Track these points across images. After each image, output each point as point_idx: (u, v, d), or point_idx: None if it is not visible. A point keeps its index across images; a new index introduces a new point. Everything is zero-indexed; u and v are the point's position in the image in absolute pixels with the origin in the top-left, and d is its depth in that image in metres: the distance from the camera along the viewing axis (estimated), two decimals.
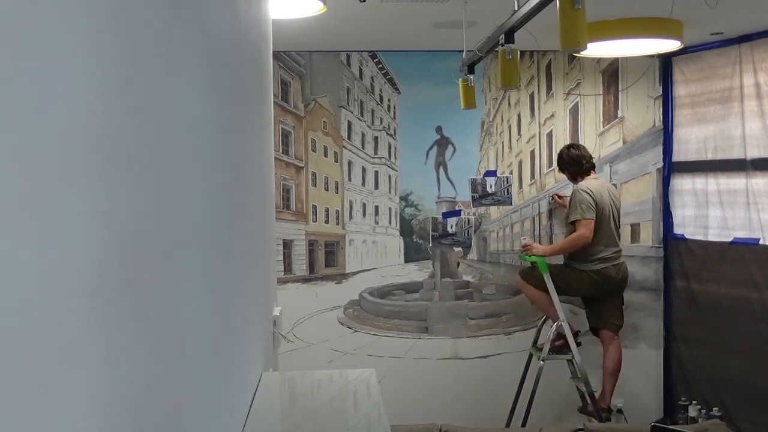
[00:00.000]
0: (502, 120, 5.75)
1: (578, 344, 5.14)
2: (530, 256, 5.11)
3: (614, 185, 5.46)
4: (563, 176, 5.63)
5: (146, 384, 0.94)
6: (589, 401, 5.10)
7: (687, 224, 5.59)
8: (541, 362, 5.06)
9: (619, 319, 5.19)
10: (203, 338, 1.33)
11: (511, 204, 5.72)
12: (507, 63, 3.48)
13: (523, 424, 5.07)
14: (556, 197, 5.63)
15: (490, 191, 5.72)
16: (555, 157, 5.72)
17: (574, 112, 5.73)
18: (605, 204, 5.00)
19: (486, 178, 5.71)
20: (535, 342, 5.29)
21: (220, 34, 1.63)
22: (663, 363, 5.78)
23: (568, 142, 5.57)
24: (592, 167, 5.17)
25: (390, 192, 5.72)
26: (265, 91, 2.78)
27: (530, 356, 5.24)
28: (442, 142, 5.68)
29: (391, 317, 5.70)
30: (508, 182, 5.73)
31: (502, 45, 3.35)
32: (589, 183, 5.07)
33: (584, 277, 5.04)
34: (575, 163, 5.16)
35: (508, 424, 5.18)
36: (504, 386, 5.59)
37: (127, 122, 0.88)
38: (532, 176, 5.78)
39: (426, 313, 5.71)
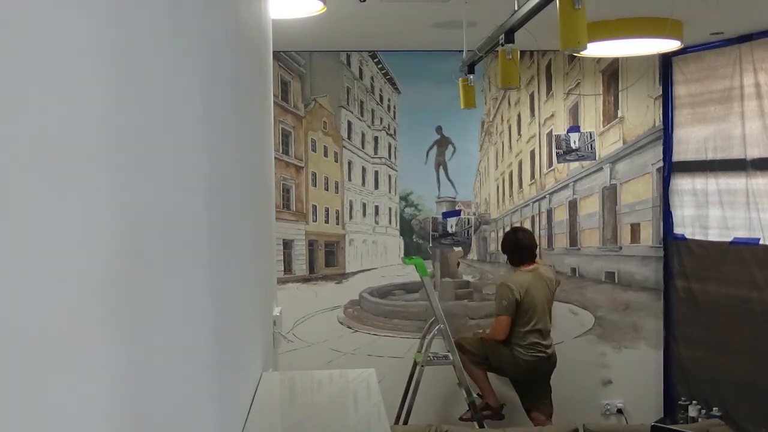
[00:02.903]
0: (502, 120, 5.75)
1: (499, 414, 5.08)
2: (409, 258, 5.15)
3: (552, 271, 5.24)
4: (563, 177, 5.62)
5: (145, 384, 0.94)
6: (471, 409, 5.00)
7: (687, 224, 5.59)
8: (421, 367, 4.96)
9: (550, 406, 5.08)
10: (203, 338, 1.33)
11: (594, 159, 5.70)
12: (507, 63, 3.48)
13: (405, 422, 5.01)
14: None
15: (573, 147, 5.71)
16: (555, 158, 5.73)
17: (574, 111, 5.74)
18: (534, 298, 4.90)
19: (569, 134, 5.71)
20: (420, 348, 5.13)
21: (220, 34, 1.63)
22: (663, 363, 5.78)
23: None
24: (532, 257, 5.06)
25: (390, 192, 5.72)
26: (265, 91, 2.78)
27: (414, 363, 5.12)
28: (442, 142, 5.68)
29: (391, 317, 5.70)
30: (591, 137, 5.71)
31: (502, 45, 3.35)
32: (518, 277, 4.98)
33: (517, 361, 4.95)
34: (514, 249, 5.08)
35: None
36: (503, 386, 5.59)
37: (127, 122, 0.88)
38: (532, 176, 5.78)
39: (426, 313, 5.71)
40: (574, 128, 5.71)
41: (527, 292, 4.88)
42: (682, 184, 5.62)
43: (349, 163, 5.66)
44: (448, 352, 4.95)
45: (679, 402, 5.46)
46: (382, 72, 5.63)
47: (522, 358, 4.93)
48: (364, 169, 5.68)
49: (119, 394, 0.83)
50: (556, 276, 5.29)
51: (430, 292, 4.98)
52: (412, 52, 5.52)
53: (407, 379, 5.08)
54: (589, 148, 5.71)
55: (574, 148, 5.72)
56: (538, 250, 5.54)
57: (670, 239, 5.69)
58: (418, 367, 4.98)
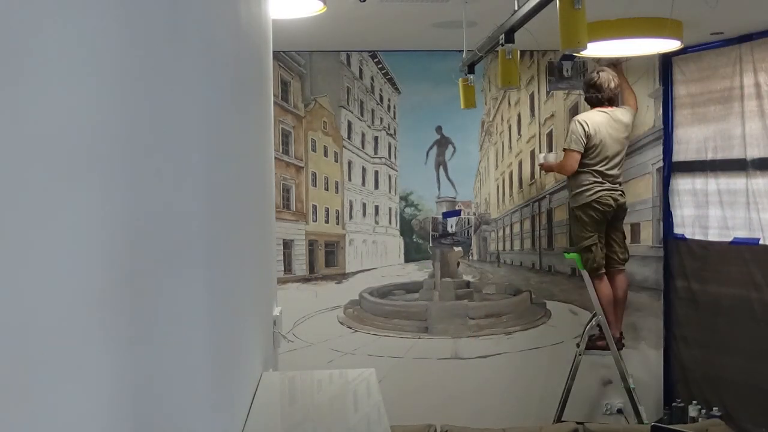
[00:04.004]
0: (502, 120, 5.74)
1: (622, 346, 5.27)
2: (569, 254, 5.30)
3: (629, 116, 5.29)
4: (563, 177, 5.62)
5: (147, 384, 0.94)
6: (630, 398, 5.20)
7: (687, 224, 5.58)
8: (579, 356, 5.20)
9: (624, 252, 5.28)
10: (203, 338, 1.33)
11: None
12: (507, 63, 3.48)
13: (558, 419, 5.19)
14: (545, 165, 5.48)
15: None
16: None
17: (574, 111, 5.73)
18: (602, 137, 5.05)
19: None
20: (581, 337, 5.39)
21: (220, 34, 1.63)
22: (663, 363, 5.78)
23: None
24: (609, 100, 5.17)
25: (390, 192, 5.72)
26: (265, 91, 2.78)
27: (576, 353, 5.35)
28: (442, 142, 5.68)
29: (391, 317, 5.70)
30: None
31: (502, 45, 3.35)
32: (590, 115, 5.13)
33: (588, 211, 5.09)
34: (592, 88, 5.19)
35: (557, 419, 5.23)
36: (504, 386, 5.60)
37: (127, 123, 0.88)
38: (532, 176, 5.78)
39: (426, 313, 5.71)
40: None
41: (598, 131, 5.04)
42: (682, 184, 5.62)
43: (349, 163, 5.66)
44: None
45: (679, 402, 5.46)
46: (382, 72, 5.63)
47: (589, 203, 5.07)
48: (364, 169, 5.68)
49: (119, 394, 0.83)
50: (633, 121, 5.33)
51: (588, 284, 5.13)
52: (412, 52, 5.51)
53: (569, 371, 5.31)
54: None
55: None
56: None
57: (670, 239, 5.69)
58: (576, 356, 5.26)
